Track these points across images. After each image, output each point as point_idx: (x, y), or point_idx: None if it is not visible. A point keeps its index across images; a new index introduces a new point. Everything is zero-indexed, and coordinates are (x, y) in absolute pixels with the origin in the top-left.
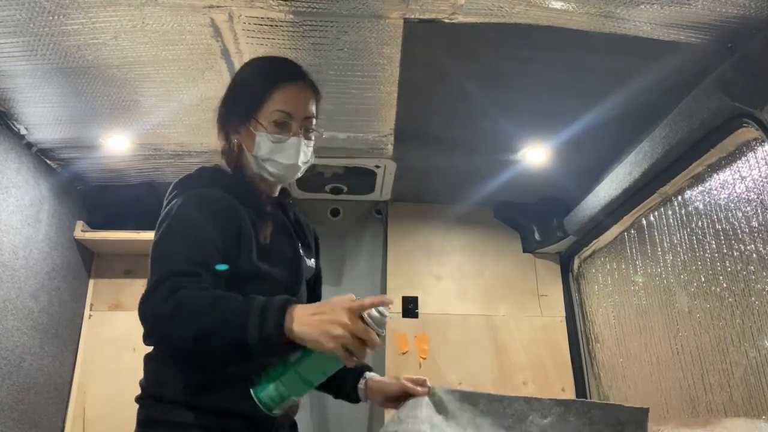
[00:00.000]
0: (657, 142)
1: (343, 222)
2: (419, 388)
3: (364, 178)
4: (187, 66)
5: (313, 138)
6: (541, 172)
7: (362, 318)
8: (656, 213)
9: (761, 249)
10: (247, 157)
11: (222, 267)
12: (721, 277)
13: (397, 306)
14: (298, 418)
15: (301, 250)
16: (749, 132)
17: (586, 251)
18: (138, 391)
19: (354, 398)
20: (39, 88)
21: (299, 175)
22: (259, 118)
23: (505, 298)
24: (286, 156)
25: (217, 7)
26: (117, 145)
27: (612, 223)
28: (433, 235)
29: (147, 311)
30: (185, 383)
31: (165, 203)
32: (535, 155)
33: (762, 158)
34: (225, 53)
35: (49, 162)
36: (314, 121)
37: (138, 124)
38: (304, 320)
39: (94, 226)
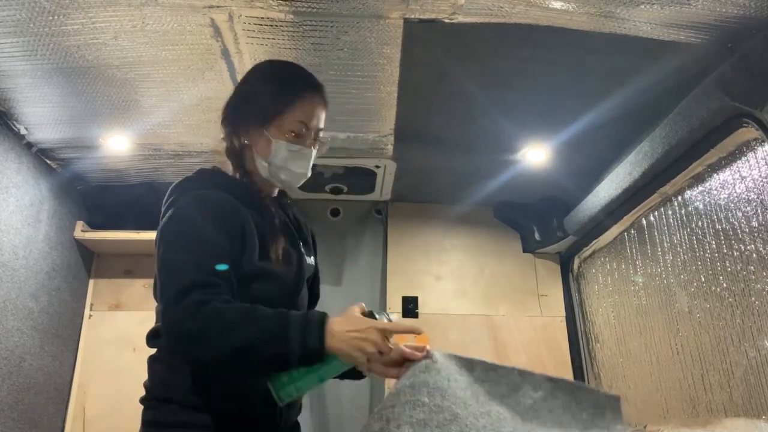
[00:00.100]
0: (657, 142)
1: (343, 222)
2: (418, 354)
3: (364, 178)
4: (187, 66)
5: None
6: (541, 172)
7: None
8: (656, 213)
9: (761, 249)
10: (256, 160)
11: (222, 267)
12: (721, 277)
13: (397, 306)
14: (298, 417)
15: (302, 249)
16: (749, 132)
17: (586, 251)
18: (139, 391)
19: (357, 374)
20: (39, 88)
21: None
22: (278, 125)
23: (505, 298)
24: (299, 165)
25: (217, 7)
26: (117, 145)
27: (612, 223)
28: (433, 235)
29: (173, 325)
30: (191, 385)
31: (165, 206)
32: (535, 155)
33: (762, 158)
34: (225, 53)
35: (49, 162)
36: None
37: (138, 124)
38: (341, 336)
39: (94, 226)
